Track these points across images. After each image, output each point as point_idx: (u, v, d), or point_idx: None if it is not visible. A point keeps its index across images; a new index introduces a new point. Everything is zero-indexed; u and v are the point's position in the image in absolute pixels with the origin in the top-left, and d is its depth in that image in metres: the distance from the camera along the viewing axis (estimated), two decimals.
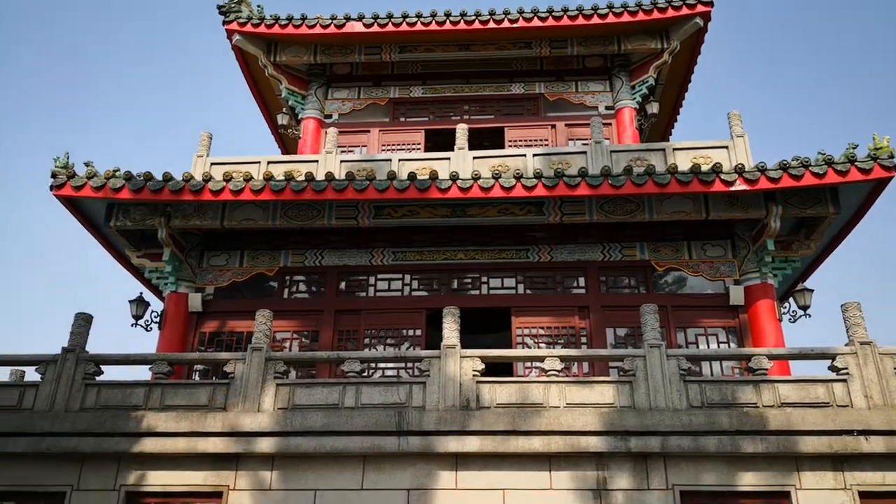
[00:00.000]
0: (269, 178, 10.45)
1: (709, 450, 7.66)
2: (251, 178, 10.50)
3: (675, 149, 11.67)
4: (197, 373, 11.04)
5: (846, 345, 8.36)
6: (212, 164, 11.98)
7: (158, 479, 7.97)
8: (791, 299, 12.20)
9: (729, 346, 10.81)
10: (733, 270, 11.36)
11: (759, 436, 7.67)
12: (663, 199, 10.92)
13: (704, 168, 10.47)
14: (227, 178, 10.51)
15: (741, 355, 9.06)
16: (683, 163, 11.20)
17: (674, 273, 11.59)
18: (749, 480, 7.65)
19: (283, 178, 10.53)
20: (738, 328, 11.00)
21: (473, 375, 8.29)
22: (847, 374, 8.09)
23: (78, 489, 8.00)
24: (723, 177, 10.21)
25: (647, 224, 11.30)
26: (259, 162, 11.92)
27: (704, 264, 11.46)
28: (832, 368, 8.28)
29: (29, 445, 8.04)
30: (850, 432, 7.65)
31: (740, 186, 10.19)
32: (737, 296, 11.06)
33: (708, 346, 10.83)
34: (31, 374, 9.14)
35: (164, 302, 11.65)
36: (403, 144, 14.04)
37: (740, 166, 10.25)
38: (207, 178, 10.53)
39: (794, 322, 11.96)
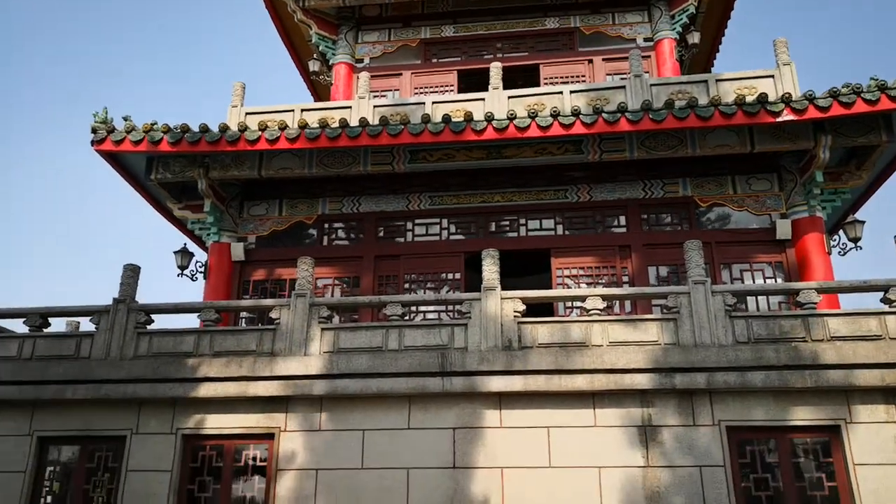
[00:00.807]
0: (303, 126, 10.42)
1: (756, 385, 7.59)
2: (286, 126, 10.48)
3: (718, 80, 11.27)
4: (243, 320, 11.29)
5: None
6: (247, 113, 11.98)
7: (212, 423, 8.23)
8: (841, 232, 11.86)
9: (776, 282, 10.61)
10: (780, 204, 11.06)
11: (808, 370, 7.56)
12: (706, 133, 10.60)
13: (749, 99, 10.10)
14: (263, 127, 10.51)
15: (789, 290, 8.88)
16: (727, 94, 10.83)
17: (718, 209, 11.33)
18: (798, 415, 7.58)
19: (317, 125, 10.49)
20: (784, 263, 10.77)
21: (514, 316, 8.29)
22: None
23: (137, 433, 8.32)
24: (769, 107, 9.84)
25: (689, 159, 11.01)
26: (293, 110, 11.88)
27: (750, 198, 11.18)
28: (885, 301, 8.06)
29: (89, 392, 8.36)
30: None
31: (787, 117, 9.82)
32: (784, 230, 10.79)
33: (753, 282, 10.64)
34: (85, 325, 9.46)
35: (208, 252, 11.86)
36: (436, 87, 13.83)
37: (787, 95, 9.86)
38: (243, 128, 10.54)
39: (843, 255, 11.68)
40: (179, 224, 12.73)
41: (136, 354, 8.61)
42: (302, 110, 11.91)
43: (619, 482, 7.51)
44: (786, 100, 9.82)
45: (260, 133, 10.46)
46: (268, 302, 8.84)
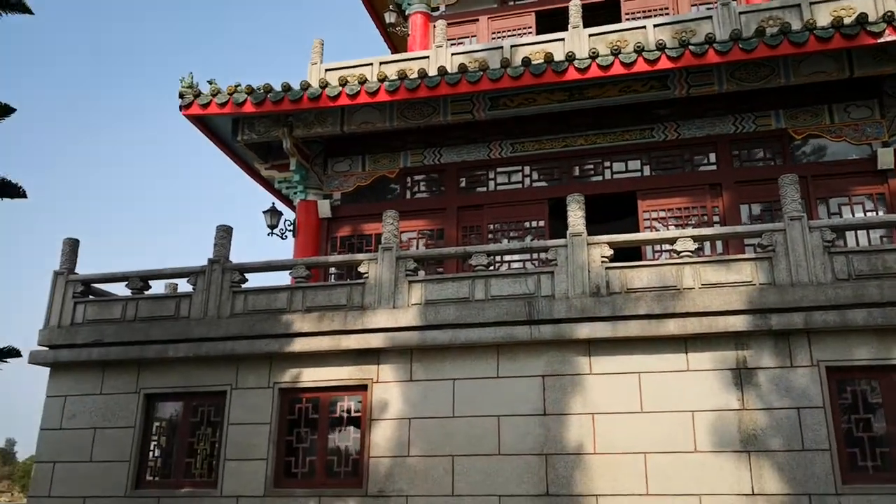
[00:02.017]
0: (382, 78, 10.46)
1: (857, 323, 7.28)
2: (365, 80, 10.55)
3: (812, 2, 10.53)
4: (332, 276, 11.65)
5: None
6: (326, 70, 12.10)
7: (308, 376, 8.60)
8: None
9: (877, 215, 10.03)
10: (881, 132, 10.37)
11: None
12: (801, 60, 9.98)
13: (847, 21, 9.40)
14: (343, 82, 10.62)
15: (893, 222, 8.37)
16: (822, 17, 10.14)
17: (813, 141, 10.73)
18: None
19: (396, 77, 10.51)
20: (886, 194, 10.15)
21: (602, 262, 8.20)
22: None
23: (236, 388, 8.78)
24: (869, 28, 9.15)
25: (782, 89, 10.43)
26: (371, 64, 11.91)
27: (848, 128, 10.52)
28: None
29: (189, 350, 8.86)
30: None
31: (890, 37, 9.13)
32: (885, 159, 10.14)
33: (853, 216, 10.09)
34: (183, 287, 9.94)
35: (296, 211, 12.23)
36: (514, 30, 13.53)
37: (889, 14, 9.12)
38: (324, 85, 10.69)
39: None
40: (267, 184, 13.16)
41: (233, 313, 9.04)
42: (380, 63, 11.93)
43: (714, 425, 7.44)
44: (888, 19, 9.11)
45: (340, 88, 10.58)
46: (356, 256, 9.08)
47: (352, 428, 8.48)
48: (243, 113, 11.04)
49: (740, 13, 10.77)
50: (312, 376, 8.60)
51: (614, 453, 7.57)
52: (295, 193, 12.13)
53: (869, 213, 10.13)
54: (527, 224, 11.32)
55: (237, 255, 9.64)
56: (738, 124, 10.93)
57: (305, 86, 10.68)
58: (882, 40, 9.14)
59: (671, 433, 7.50)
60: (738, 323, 7.52)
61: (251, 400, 8.67)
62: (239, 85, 11.00)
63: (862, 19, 9.18)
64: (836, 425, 7.24)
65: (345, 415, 8.51)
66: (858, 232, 9.89)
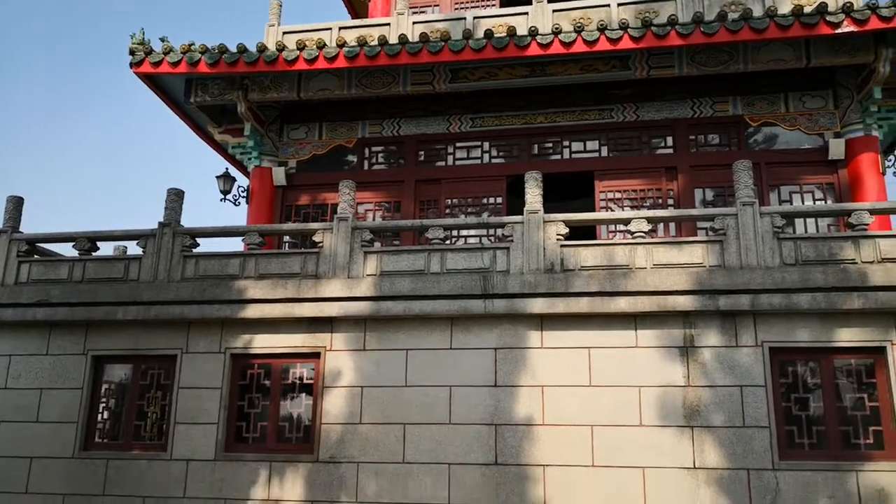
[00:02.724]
0: (341, 44, 10.26)
1: (801, 307, 7.50)
2: (324, 45, 10.33)
3: None
4: (286, 244, 11.48)
5: None
6: (284, 32, 11.82)
7: (260, 342, 8.50)
8: None
9: (826, 203, 10.32)
10: (834, 122, 10.64)
11: (857, 292, 7.42)
12: (760, 47, 10.14)
13: (807, 9, 9.57)
14: (301, 46, 10.37)
15: (840, 210, 8.63)
16: (783, 5, 10.30)
17: (768, 129, 10.96)
18: (843, 336, 7.51)
19: (355, 43, 10.31)
20: (836, 184, 10.45)
21: (557, 239, 8.26)
22: None
23: (187, 352, 8.63)
24: (828, 18, 9.33)
25: (740, 75, 10.59)
26: (331, 28, 11.68)
27: (802, 117, 10.76)
28: None
29: (139, 313, 8.65)
30: None
31: (848, 28, 9.32)
32: (837, 149, 10.41)
33: (803, 204, 10.37)
34: (133, 249, 9.69)
35: (250, 177, 11.97)
36: (478, 1, 13.38)
37: (848, 5, 9.32)
38: (281, 48, 10.42)
39: None
40: (220, 149, 12.84)
41: (184, 277, 8.85)
42: (340, 28, 11.70)
43: (659, 400, 7.61)
44: (846, 10, 9.30)
45: (298, 53, 10.34)
46: (311, 225, 8.94)
47: (304, 395, 8.43)
48: (197, 73, 10.71)
49: None
50: (265, 343, 8.50)
51: (562, 425, 7.69)
52: (249, 159, 11.86)
53: (818, 202, 10.41)
54: (485, 200, 11.31)
55: (188, 220, 9.40)
56: (695, 109, 11.07)
57: (262, 48, 10.41)
58: (839, 31, 9.33)
59: (618, 407, 7.65)
60: (687, 303, 7.68)
61: (202, 364, 8.55)
62: (193, 44, 10.65)
63: (822, 9, 9.35)
64: (776, 404, 7.47)
65: (297, 382, 8.44)
66: (807, 219, 10.16)
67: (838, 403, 7.49)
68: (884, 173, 10.31)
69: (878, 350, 7.49)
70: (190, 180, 44.11)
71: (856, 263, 7.62)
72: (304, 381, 8.42)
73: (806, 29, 9.38)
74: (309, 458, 8.03)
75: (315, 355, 8.39)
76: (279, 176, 11.68)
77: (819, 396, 7.55)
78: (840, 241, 7.78)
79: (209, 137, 12.63)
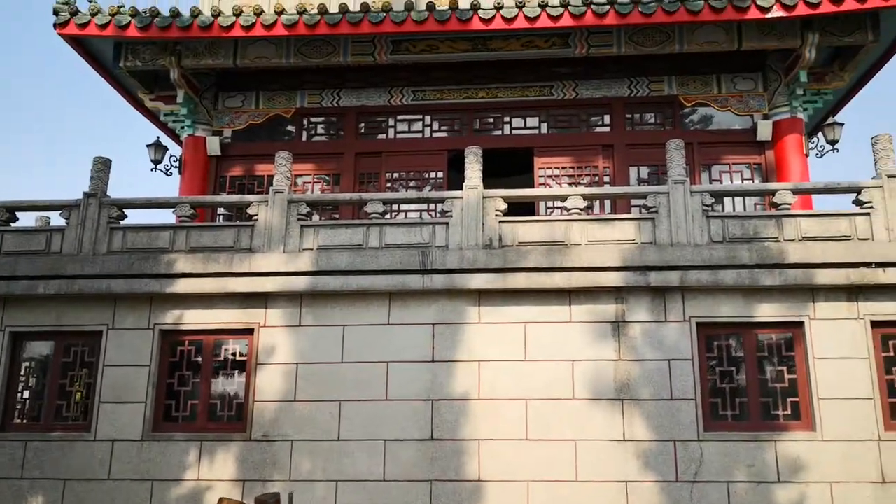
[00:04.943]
0: (280, 11, 9.96)
1: (727, 283, 7.78)
2: (262, 12, 10.01)
3: None
4: (220, 216, 11.19)
5: (873, 178, 8.21)
6: None
7: (191, 318, 8.29)
8: (820, 134, 11.85)
9: (753, 183, 10.67)
10: (763, 104, 10.97)
11: (779, 269, 7.74)
12: (695, 29, 10.33)
13: None
14: (237, 12, 10.02)
15: (765, 190, 8.96)
16: None
17: (701, 109, 11.23)
18: (765, 311, 7.83)
19: (295, 11, 10.03)
20: (763, 164, 10.82)
21: (496, 215, 8.31)
22: (871, 207, 8.00)
23: (113, 328, 8.34)
24: (759, 2, 9.56)
25: (676, 56, 10.78)
26: None
27: (733, 98, 11.06)
28: (857, 202, 8.18)
29: (61, 287, 8.30)
30: (868, 264, 7.69)
31: (777, 13, 9.57)
32: (764, 131, 10.76)
33: (732, 183, 10.70)
34: (56, 220, 9.27)
35: (182, 146, 11.59)
36: None
37: None
38: (217, 13, 10.05)
39: (821, 157, 11.72)
40: (152, 116, 12.36)
41: (110, 250, 8.54)
42: None
43: (591, 374, 7.80)
44: None
45: (234, 19, 9.99)
46: (246, 197, 8.74)
47: (237, 372, 8.30)
48: (126, 37, 10.24)
49: None
50: (196, 318, 8.31)
51: (498, 399, 7.81)
52: (182, 128, 11.46)
53: (746, 181, 10.76)
54: (426, 174, 11.26)
55: (116, 191, 9.05)
56: (632, 88, 11.24)
57: (196, 13, 10.02)
58: (769, 15, 9.58)
59: (552, 381, 7.81)
60: (619, 279, 7.86)
61: (130, 341, 8.30)
62: (122, 6, 10.16)
63: None
64: (702, 377, 7.77)
65: (230, 359, 8.30)
66: (736, 198, 10.50)
67: (760, 376, 7.83)
68: (807, 154, 10.72)
69: (797, 325, 7.84)
70: (119, 148, 42.44)
71: (778, 241, 7.93)
72: (238, 357, 8.28)
73: (738, 12, 9.59)
74: (241, 436, 7.93)
75: (249, 331, 8.25)
76: (213, 145, 11.35)
77: (742, 370, 7.88)
78: (764, 220, 8.07)
79: (140, 104, 12.13)
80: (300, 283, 8.11)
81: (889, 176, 8.09)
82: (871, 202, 8.04)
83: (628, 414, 7.66)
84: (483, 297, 8.12)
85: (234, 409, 8.16)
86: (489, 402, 7.82)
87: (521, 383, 7.84)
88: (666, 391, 7.69)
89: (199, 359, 8.32)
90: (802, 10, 9.51)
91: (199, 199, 9.24)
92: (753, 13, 9.59)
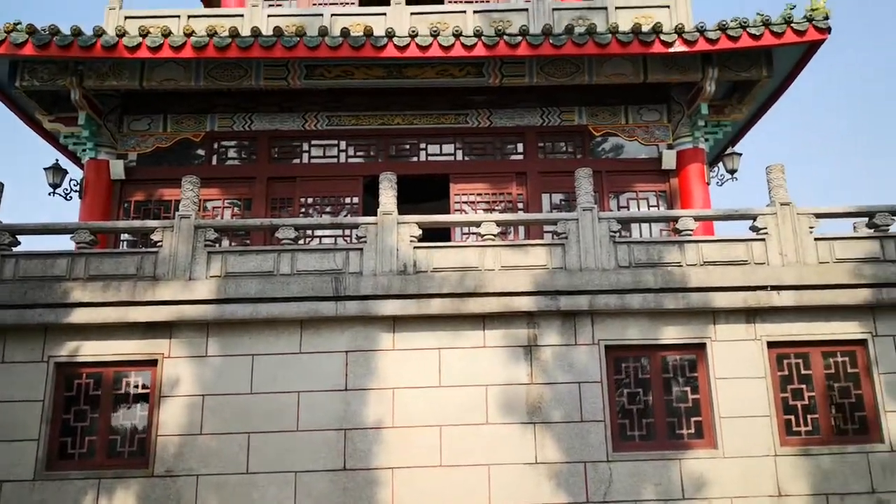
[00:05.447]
0: (189, 33, 9.76)
1: (633, 307, 8.01)
2: (170, 33, 9.77)
3: (617, 7, 11.33)
4: (124, 243, 10.74)
5: (767, 206, 8.66)
6: (126, 17, 11.01)
7: (90, 350, 7.87)
8: (720, 163, 12.47)
9: (658, 210, 11.10)
10: (667, 135, 11.46)
11: (682, 293, 8.03)
12: (603, 61, 10.73)
13: (645, 28, 10.24)
14: (144, 33, 9.75)
15: (669, 217, 9.33)
16: (625, 22, 10.92)
17: (610, 139, 11.63)
18: (669, 334, 8.09)
19: (205, 34, 9.83)
20: (668, 192, 11.27)
21: (411, 241, 8.30)
22: (766, 233, 8.43)
23: (3, 362, 7.82)
24: (662, 37, 10.04)
25: (586, 87, 11.15)
26: (178, 16, 11.03)
27: (640, 129, 11.51)
28: (753, 228, 8.60)
29: None
30: (763, 288, 8.08)
31: (679, 48, 10.07)
32: (669, 160, 11.23)
33: (639, 210, 11.10)
34: None
35: (84, 169, 11.09)
36: None
37: (680, 27, 10.08)
38: (121, 33, 9.75)
39: (721, 185, 12.33)
40: (51, 138, 11.78)
41: (1, 279, 8.03)
42: (189, 16, 11.08)
43: (505, 398, 7.84)
44: (679, 31, 10.04)
45: (141, 39, 9.72)
46: (149, 223, 8.43)
47: (139, 405, 7.92)
48: (22, 56, 9.78)
49: (553, 9, 11.31)
50: (95, 350, 7.89)
51: (412, 426, 7.73)
52: (84, 151, 10.97)
53: (652, 208, 11.18)
54: (341, 200, 11.18)
55: (11, 216, 8.54)
56: (545, 117, 11.54)
57: (100, 32, 9.68)
58: (672, 50, 10.07)
59: (466, 407, 7.80)
60: (531, 303, 7.97)
61: (21, 375, 7.79)
62: (19, 23, 9.71)
63: (657, 28, 10.04)
64: (610, 399, 7.93)
65: (132, 391, 7.91)
66: (642, 224, 10.87)
67: (666, 397, 8.06)
68: (709, 183, 11.25)
69: (700, 346, 8.13)
70: (14, 171, 40.26)
71: (681, 266, 8.24)
72: (140, 390, 7.91)
73: (643, 46, 10.03)
74: (143, 472, 7.54)
75: (152, 363, 7.90)
76: (117, 169, 10.91)
77: (649, 391, 8.09)
78: (668, 245, 8.38)
79: (38, 125, 11.55)
80: (207, 312, 7.84)
81: (782, 204, 8.54)
82: (766, 228, 8.47)
83: (540, 437, 7.73)
84: (398, 323, 8.07)
85: (136, 445, 7.77)
86: (403, 429, 7.73)
87: (436, 409, 7.80)
88: (576, 413, 7.80)
89: (99, 392, 7.89)
90: (703, 45, 10.04)
91: (98, 224, 8.85)
92: (658, 47, 10.06)
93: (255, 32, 9.86)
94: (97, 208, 10.66)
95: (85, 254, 8.14)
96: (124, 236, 10.63)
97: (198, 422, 7.68)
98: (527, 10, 11.35)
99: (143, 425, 7.80)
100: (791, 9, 10.08)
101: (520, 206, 11.18)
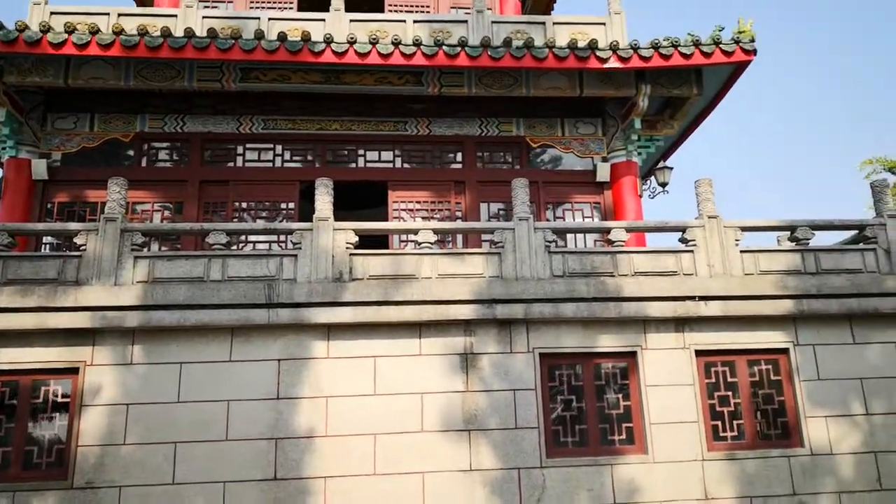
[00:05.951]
0: (119, 31, 9.45)
1: (567, 315, 8.12)
2: (98, 31, 9.44)
3: (555, 23, 11.55)
4: (47, 246, 10.28)
5: (696, 218, 8.94)
6: (52, 13, 10.62)
7: (5, 357, 7.47)
8: (652, 177, 12.84)
9: (592, 221, 11.32)
10: (602, 148, 11.72)
11: (614, 302, 8.19)
12: (541, 75, 10.90)
13: (581, 44, 10.47)
14: (70, 29, 9.38)
15: (602, 228, 9.51)
16: (562, 38, 11.15)
17: (547, 150, 11.82)
18: (602, 342, 8.24)
19: (135, 32, 9.53)
20: (602, 204, 11.51)
21: (347, 248, 8.21)
22: (695, 245, 8.70)
23: None
24: (598, 53, 10.28)
25: (524, 99, 11.31)
26: (108, 14, 10.69)
27: (576, 141, 11.73)
28: (682, 240, 8.86)
29: None
30: (692, 298, 8.31)
31: (614, 64, 10.33)
32: (603, 173, 11.48)
33: (574, 221, 11.29)
34: None
35: (3, 169, 10.58)
36: (274, 2, 13.02)
37: (615, 43, 10.34)
38: (46, 29, 9.36)
39: (653, 198, 12.71)
40: None
41: None
42: (119, 14, 10.75)
43: (441, 406, 7.81)
44: (613, 47, 10.30)
45: (66, 36, 9.35)
46: (71, 225, 8.07)
47: (58, 414, 7.55)
48: None
49: (492, 22, 11.45)
50: (11, 357, 7.50)
51: (346, 435, 7.62)
52: (3, 149, 10.46)
53: (587, 219, 11.40)
54: (277, 205, 10.98)
55: None
56: (483, 127, 11.64)
57: (22, 27, 9.28)
58: (607, 66, 10.32)
59: (401, 415, 7.74)
60: (467, 312, 7.98)
61: None
62: None
63: (593, 44, 10.27)
64: (544, 406, 8.00)
65: (51, 400, 7.54)
66: (577, 235, 11.07)
67: (598, 404, 8.18)
68: (641, 195, 11.56)
69: (631, 354, 8.30)
70: None
71: (614, 276, 8.41)
72: (60, 399, 7.54)
73: (579, 61, 10.25)
74: (62, 484, 7.18)
75: (73, 370, 7.55)
76: (39, 169, 10.44)
77: (582, 398, 8.20)
78: (601, 256, 8.54)
79: None
80: (132, 319, 7.55)
81: (710, 217, 8.82)
82: (694, 241, 8.73)
83: (475, 444, 7.74)
84: (332, 331, 7.95)
85: (55, 455, 7.40)
86: (337, 438, 7.61)
87: (371, 418, 7.71)
88: (511, 420, 7.84)
89: (14, 401, 7.49)
90: (636, 62, 10.34)
91: (17, 226, 8.43)
92: (593, 63, 10.30)
93: (189, 33, 9.63)
94: (17, 209, 10.17)
95: (2, 256, 7.73)
96: (47, 239, 10.18)
97: (121, 431, 7.38)
98: (466, 21, 11.46)
99: (63, 435, 7.44)
100: (720, 30, 10.49)
101: (458, 214, 11.23)
